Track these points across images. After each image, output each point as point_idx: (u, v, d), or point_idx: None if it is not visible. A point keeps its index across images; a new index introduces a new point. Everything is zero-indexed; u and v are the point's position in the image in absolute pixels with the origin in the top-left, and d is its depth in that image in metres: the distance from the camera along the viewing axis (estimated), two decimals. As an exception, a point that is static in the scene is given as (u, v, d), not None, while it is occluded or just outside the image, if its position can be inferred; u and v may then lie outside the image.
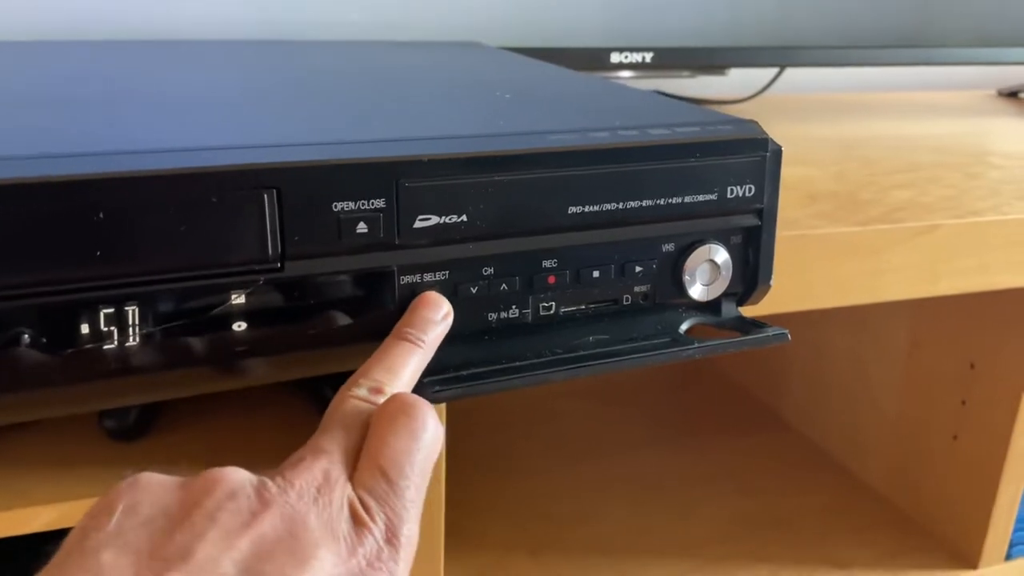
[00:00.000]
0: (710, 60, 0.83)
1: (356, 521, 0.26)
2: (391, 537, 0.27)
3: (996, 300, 0.67)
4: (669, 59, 0.80)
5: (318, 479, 0.27)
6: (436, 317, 0.33)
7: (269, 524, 0.25)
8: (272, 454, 0.52)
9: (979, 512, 0.71)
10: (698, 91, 0.93)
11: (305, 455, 0.28)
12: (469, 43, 0.71)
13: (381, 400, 0.30)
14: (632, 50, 0.78)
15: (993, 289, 0.58)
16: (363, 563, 0.26)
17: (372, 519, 0.27)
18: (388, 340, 0.32)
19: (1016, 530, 0.71)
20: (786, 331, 0.38)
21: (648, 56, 0.78)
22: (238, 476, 0.27)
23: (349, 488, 0.27)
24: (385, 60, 0.58)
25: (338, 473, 0.27)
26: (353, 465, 0.28)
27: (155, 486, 0.26)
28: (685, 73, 0.86)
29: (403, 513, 0.27)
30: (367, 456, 0.28)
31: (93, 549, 0.24)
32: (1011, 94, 1.11)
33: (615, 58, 0.77)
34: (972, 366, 0.71)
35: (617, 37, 0.79)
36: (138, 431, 0.53)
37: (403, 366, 0.31)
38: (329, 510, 0.26)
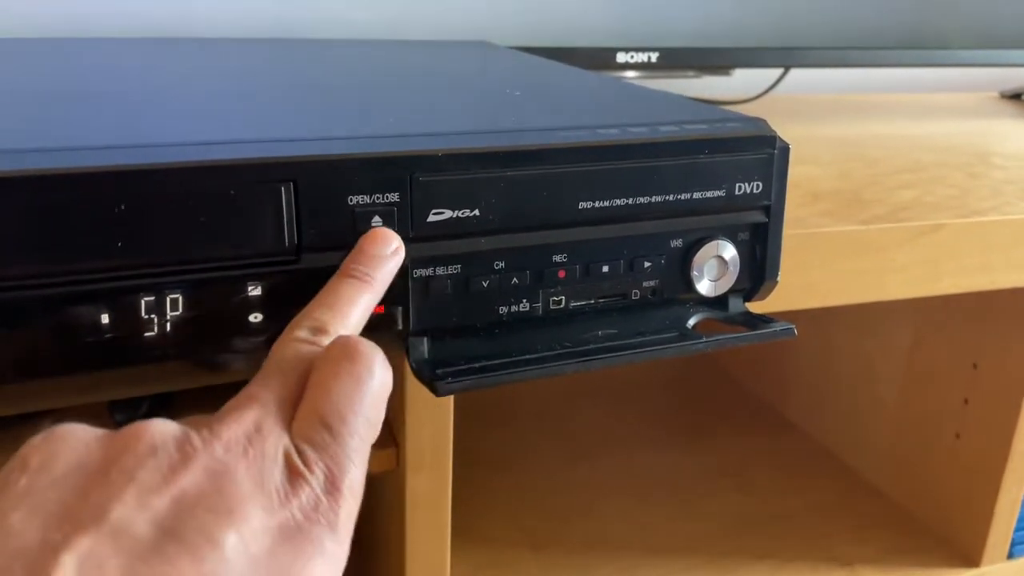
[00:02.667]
0: (715, 60, 0.83)
1: (292, 472, 0.25)
2: (331, 488, 0.25)
3: (999, 300, 0.68)
4: (675, 59, 0.81)
5: (248, 429, 0.25)
6: (385, 252, 0.31)
7: (190, 480, 0.23)
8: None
9: (981, 511, 0.71)
10: (703, 91, 0.93)
11: (237, 404, 0.26)
12: (477, 42, 0.72)
13: (325, 342, 0.28)
14: (638, 50, 0.78)
15: (996, 288, 0.58)
16: (298, 515, 0.24)
17: (310, 470, 0.25)
18: (334, 278, 0.30)
19: (1018, 529, 0.72)
20: (792, 326, 0.39)
21: (654, 56, 0.79)
22: (162, 429, 0.25)
23: (285, 438, 0.25)
24: (396, 58, 0.59)
25: (272, 423, 0.26)
26: (291, 413, 0.26)
27: (73, 440, 0.24)
28: (690, 73, 0.87)
29: (345, 463, 0.25)
30: (307, 403, 0.26)
31: (1, 511, 0.22)
32: (1013, 96, 1.11)
33: (621, 58, 0.78)
34: (975, 365, 0.71)
35: (623, 37, 0.80)
36: (148, 424, 0.54)
37: (350, 305, 0.29)
38: (260, 463, 0.24)
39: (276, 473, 0.25)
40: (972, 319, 0.71)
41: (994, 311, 0.69)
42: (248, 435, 0.25)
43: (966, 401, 0.72)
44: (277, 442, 0.25)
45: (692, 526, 0.76)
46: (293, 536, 0.24)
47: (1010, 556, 0.73)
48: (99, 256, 0.28)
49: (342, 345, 0.27)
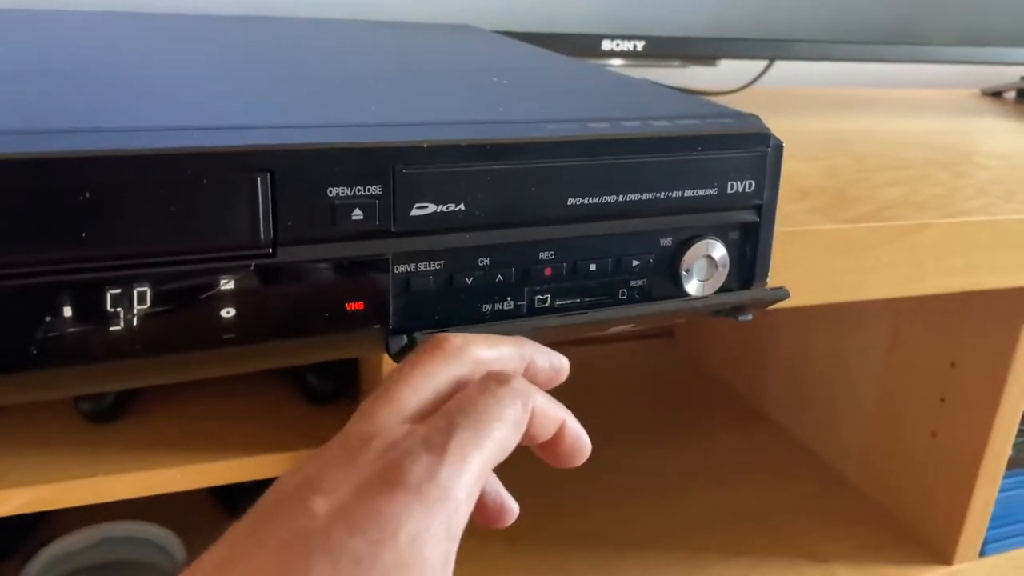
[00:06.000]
0: (701, 50, 0.82)
1: (394, 439, 0.26)
2: (430, 446, 0.26)
3: (978, 298, 0.68)
4: (660, 48, 0.79)
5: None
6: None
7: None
8: (250, 438, 0.52)
9: (955, 509, 0.71)
10: (688, 81, 0.92)
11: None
12: (460, 26, 0.70)
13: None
14: (623, 38, 0.77)
15: (978, 289, 0.58)
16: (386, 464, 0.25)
17: (412, 433, 0.27)
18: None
19: (990, 528, 0.72)
20: (783, 287, 0.38)
21: (639, 44, 0.78)
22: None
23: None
24: (379, 41, 0.57)
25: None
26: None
27: None
28: (675, 63, 0.85)
29: (450, 437, 0.26)
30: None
31: None
32: (995, 94, 1.12)
33: (606, 45, 0.77)
34: (952, 364, 0.71)
35: (609, 24, 0.78)
36: (114, 414, 0.52)
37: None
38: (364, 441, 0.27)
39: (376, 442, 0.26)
40: (951, 318, 0.71)
41: (973, 310, 0.69)
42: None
43: (943, 400, 0.72)
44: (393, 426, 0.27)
45: (669, 521, 0.75)
46: (381, 481, 0.25)
47: (982, 554, 0.73)
48: (62, 247, 0.26)
49: (495, 373, 0.29)
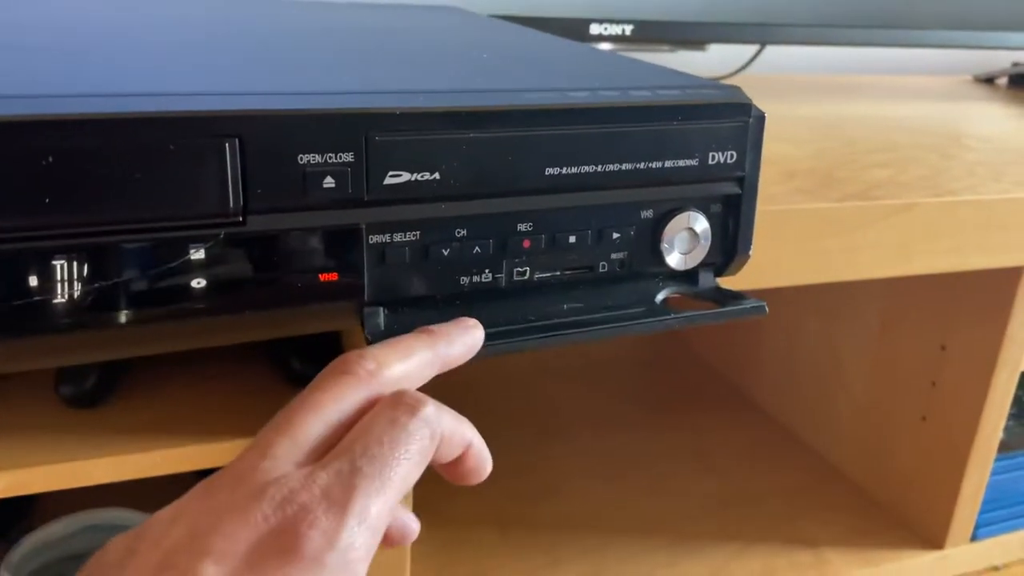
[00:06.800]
0: (690, 34, 0.82)
1: (291, 492, 0.24)
2: (331, 506, 0.24)
3: (968, 282, 0.67)
4: (649, 32, 0.79)
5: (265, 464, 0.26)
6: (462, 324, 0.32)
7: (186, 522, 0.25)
8: (233, 424, 0.51)
9: (946, 493, 0.71)
10: (677, 67, 0.92)
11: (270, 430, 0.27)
12: (448, 7, 0.70)
13: (378, 377, 0.28)
14: (612, 21, 0.76)
15: (965, 269, 0.58)
16: (285, 523, 0.23)
17: (310, 486, 0.24)
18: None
19: (982, 512, 0.72)
20: (763, 303, 0.38)
21: (628, 28, 0.77)
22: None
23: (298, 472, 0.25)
24: (361, 19, 0.56)
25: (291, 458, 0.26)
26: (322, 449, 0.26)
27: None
28: (665, 48, 0.85)
29: (356, 489, 0.24)
30: (343, 440, 0.26)
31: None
32: (987, 80, 1.11)
33: (595, 29, 0.76)
34: (943, 348, 0.71)
35: (597, 8, 0.78)
36: (95, 398, 0.51)
37: (409, 350, 0.30)
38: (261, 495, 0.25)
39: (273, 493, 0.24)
40: (941, 302, 0.71)
41: (963, 294, 0.69)
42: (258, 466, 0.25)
43: (934, 384, 0.72)
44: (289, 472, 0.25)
45: (659, 507, 0.75)
46: (278, 544, 0.23)
47: (973, 539, 0.73)
48: (23, 213, 0.26)
49: (405, 398, 0.27)
